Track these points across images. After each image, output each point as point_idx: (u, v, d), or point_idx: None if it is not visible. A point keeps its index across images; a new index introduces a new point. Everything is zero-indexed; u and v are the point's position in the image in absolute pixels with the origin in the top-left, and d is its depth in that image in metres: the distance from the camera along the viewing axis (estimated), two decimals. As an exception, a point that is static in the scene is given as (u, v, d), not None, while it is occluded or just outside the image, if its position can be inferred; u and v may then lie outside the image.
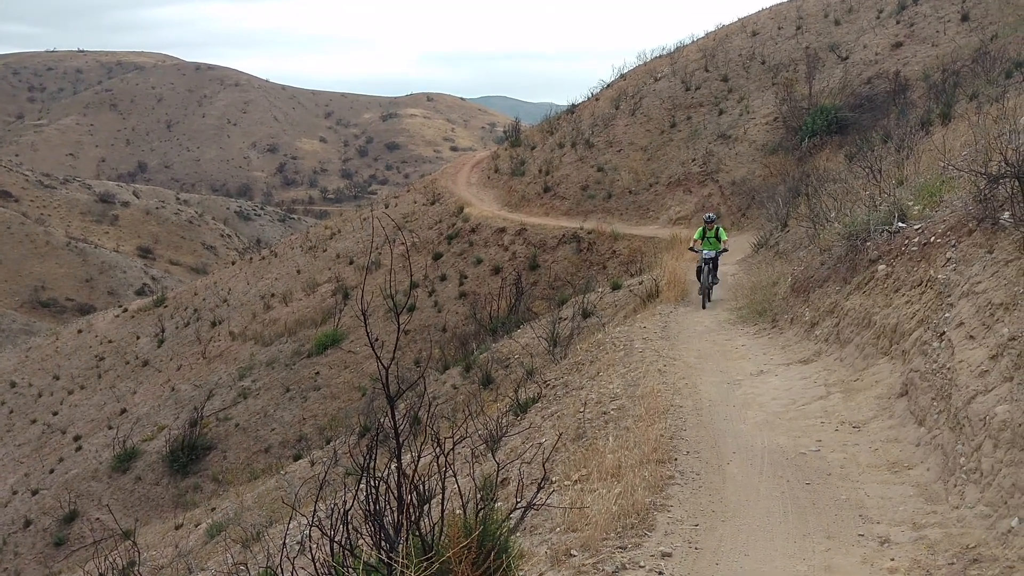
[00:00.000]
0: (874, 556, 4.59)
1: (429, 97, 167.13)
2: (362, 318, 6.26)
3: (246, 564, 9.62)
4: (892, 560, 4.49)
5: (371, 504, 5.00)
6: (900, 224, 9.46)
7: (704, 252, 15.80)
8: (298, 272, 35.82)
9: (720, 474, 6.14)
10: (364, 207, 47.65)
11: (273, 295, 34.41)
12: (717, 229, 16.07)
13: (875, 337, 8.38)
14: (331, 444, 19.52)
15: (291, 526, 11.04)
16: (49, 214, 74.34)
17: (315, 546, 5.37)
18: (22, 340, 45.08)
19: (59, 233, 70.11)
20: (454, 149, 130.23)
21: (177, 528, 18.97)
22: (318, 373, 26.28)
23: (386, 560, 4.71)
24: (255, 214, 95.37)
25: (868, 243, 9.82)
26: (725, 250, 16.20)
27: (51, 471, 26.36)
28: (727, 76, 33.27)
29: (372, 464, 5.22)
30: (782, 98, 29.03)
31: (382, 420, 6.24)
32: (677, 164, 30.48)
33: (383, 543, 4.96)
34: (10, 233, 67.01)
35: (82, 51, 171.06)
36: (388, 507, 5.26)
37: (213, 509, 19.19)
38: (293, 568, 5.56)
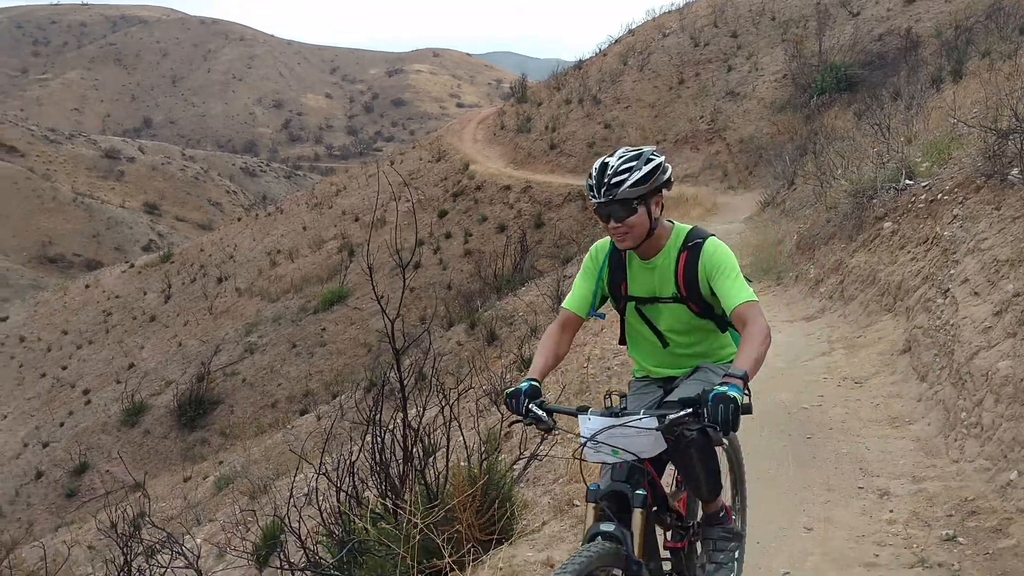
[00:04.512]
0: (873, 508, 4.64)
1: (435, 53, 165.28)
2: (369, 273, 6.28)
3: (254, 511, 9.78)
4: (891, 512, 4.55)
5: (377, 454, 5.08)
6: (907, 181, 9.41)
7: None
8: (304, 229, 35.81)
9: (722, 428, 6.18)
10: (370, 164, 47.49)
11: (279, 252, 34.45)
12: (695, 245, 3.20)
13: (879, 294, 8.39)
14: (337, 399, 19.70)
15: (298, 478, 11.19)
16: (55, 169, 74.20)
17: (322, 497, 5.44)
18: (30, 295, 45.30)
19: (65, 188, 70.05)
20: (460, 106, 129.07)
21: (185, 480, 19.24)
22: (324, 329, 26.42)
23: (392, 508, 4.80)
24: (261, 170, 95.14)
25: (875, 200, 9.77)
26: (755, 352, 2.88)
27: (61, 424, 26.68)
28: (736, 32, 32.83)
29: (378, 416, 5.29)
30: (792, 55, 28.65)
31: (388, 374, 6.29)
32: (685, 121, 30.25)
33: (389, 492, 5.04)
34: (16, 188, 66.97)
35: (86, 4, 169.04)
36: (393, 458, 5.34)
37: (221, 462, 19.44)
38: (300, 517, 5.66)
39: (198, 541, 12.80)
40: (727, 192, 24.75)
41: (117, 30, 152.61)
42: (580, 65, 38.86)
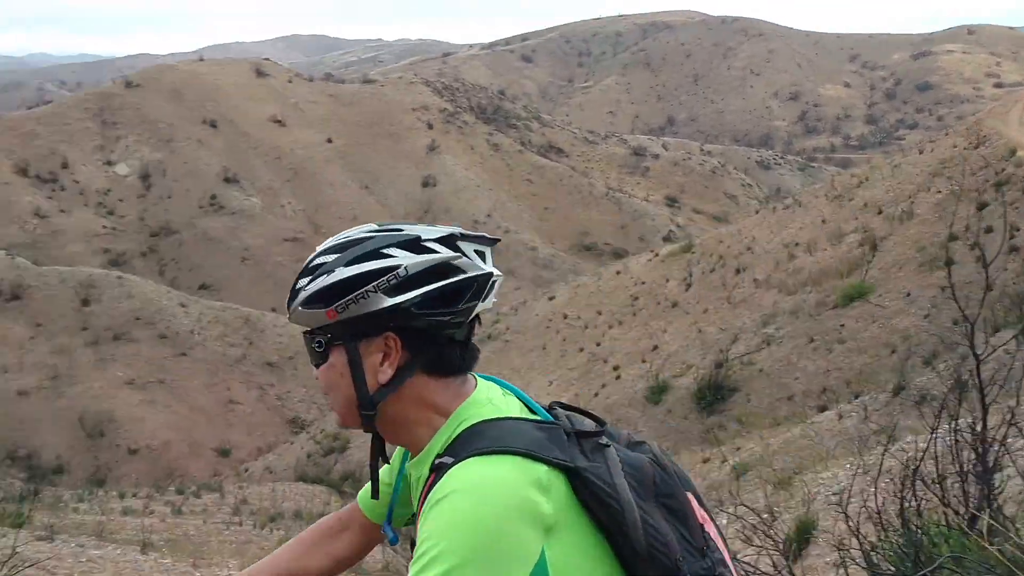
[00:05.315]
0: None
1: (970, 30, 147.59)
2: (948, 271, 6.00)
3: (782, 502, 10.00)
4: None
5: (955, 462, 4.85)
6: None
7: None
8: (823, 222, 34.97)
9: None
10: (892, 153, 44.57)
11: (797, 244, 34.17)
12: (440, 467, 1.31)
13: None
14: (859, 399, 19.00)
15: (825, 475, 11.13)
16: (591, 167, 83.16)
17: (866, 498, 5.38)
18: (571, 278, 51.63)
19: (599, 184, 78.07)
20: (998, 86, 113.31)
21: (704, 462, 20.26)
22: (843, 326, 25.57)
23: (966, 530, 4.54)
24: (775, 163, 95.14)
25: None
26: None
27: (595, 394, 29.98)
28: None
29: (954, 423, 5.04)
30: None
31: (963, 376, 5.95)
32: None
33: (964, 511, 4.78)
34: (561, 185, 76.62)
35: (622, 15, 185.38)
36: (957, 471, 5.05)
37: (738, 448, 20.07)
38: (848, 517, 5.67)
39: (723, 522, 13.51)
40: None
41: (647, 37, 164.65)
42: None
